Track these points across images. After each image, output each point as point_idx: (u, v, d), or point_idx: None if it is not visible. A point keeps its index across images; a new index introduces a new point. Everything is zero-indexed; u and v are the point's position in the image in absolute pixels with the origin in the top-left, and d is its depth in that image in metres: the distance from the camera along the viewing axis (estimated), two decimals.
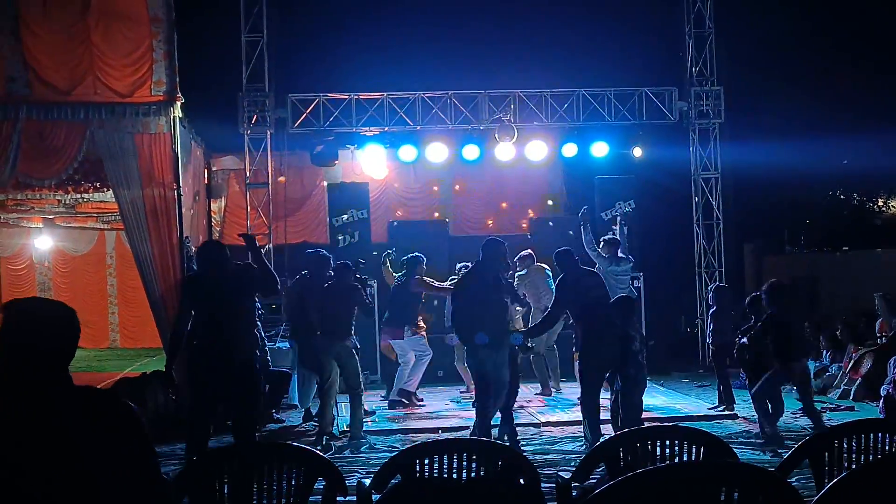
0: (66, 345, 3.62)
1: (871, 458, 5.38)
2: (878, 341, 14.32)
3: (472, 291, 10.45)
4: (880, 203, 31.20)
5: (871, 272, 19.09)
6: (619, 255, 14.19)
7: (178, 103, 14.43)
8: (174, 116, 14.31)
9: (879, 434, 5.52)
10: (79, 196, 18.17)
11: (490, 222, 21.79)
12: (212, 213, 20.22)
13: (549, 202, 22.21)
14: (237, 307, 8.29)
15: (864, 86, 25.63)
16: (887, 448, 5.50)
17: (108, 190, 16.01)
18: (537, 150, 17.98)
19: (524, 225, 20.76)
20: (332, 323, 11.41)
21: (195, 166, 16.84)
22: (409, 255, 13.97)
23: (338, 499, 5.06)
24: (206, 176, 19.18)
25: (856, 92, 25.63)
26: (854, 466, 5.18)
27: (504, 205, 22.11)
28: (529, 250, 15.10)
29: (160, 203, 13.88)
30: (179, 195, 14.06)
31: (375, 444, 11.10)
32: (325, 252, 12.45)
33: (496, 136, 17.59)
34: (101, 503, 3.48)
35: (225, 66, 18.37)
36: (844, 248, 25.00)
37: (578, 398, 13.38)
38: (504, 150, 17.82)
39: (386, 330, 13.95)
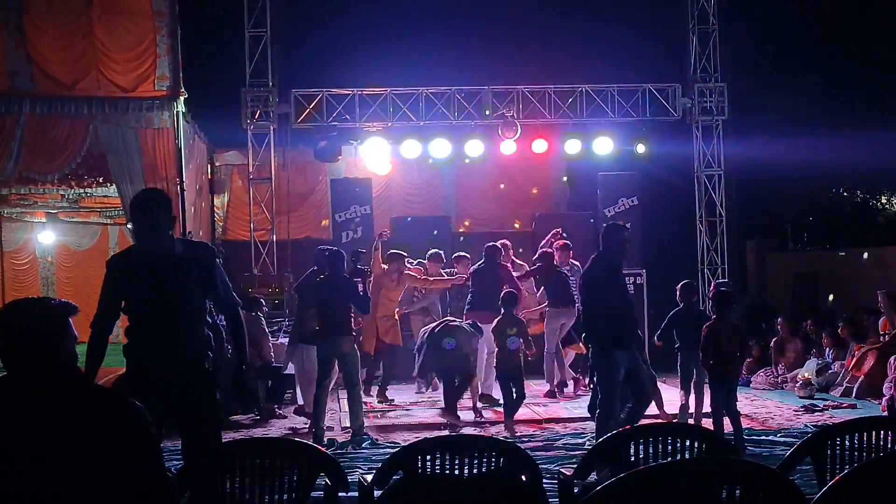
0: (51, 342, 3.64)
1: (872, 455, 5.39)
2: (881, 339, 14.32)
3: (611, 285, 9.47)
4: (883, 200, 31.15)
5: (874, 270, 19.07)
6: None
7: (182, 98, 14.48)
8: (177, 111, 14.37)
9: (881, 431, 5.53)
10: (82, 191, 18.22)
11: (492, 218, 21.77)
12: (214, 209, 20.24)
13: (563, 185, 22.15)
14: (182, 294, 6.34)
15: (868, 83, 25.60)
16: (889, 446, 5.50)
17: (111, 185, 16.07)
18: (540, 146, 17.98)
19: (527, 221, 20.73)
20: (329, 318, 11.30)
21: (198, 161, 16.87)
22: (489, 244, 13.94)
23: (339, 495, 5.07)
24: (208, 171, 19.20)
25: (860, 89, 25.60)
26: (856, 464, 5.18)
27: (507, 201, 22.10)
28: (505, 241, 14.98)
29: None
30: (182, 190, 14.11)
31: (377, 441, 11.10)
32: (331, 247, 12.20)
33: (499, 132, 17.57)
34: (106, 503, 3.48)
35: (228, 61, 18.37)
36: (847, 246, 24.96)
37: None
38: (507, 146, 17.80)
39: (474, 314, 13.34)
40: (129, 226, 6.22)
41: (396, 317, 14.02)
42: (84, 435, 3.46)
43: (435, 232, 17.68)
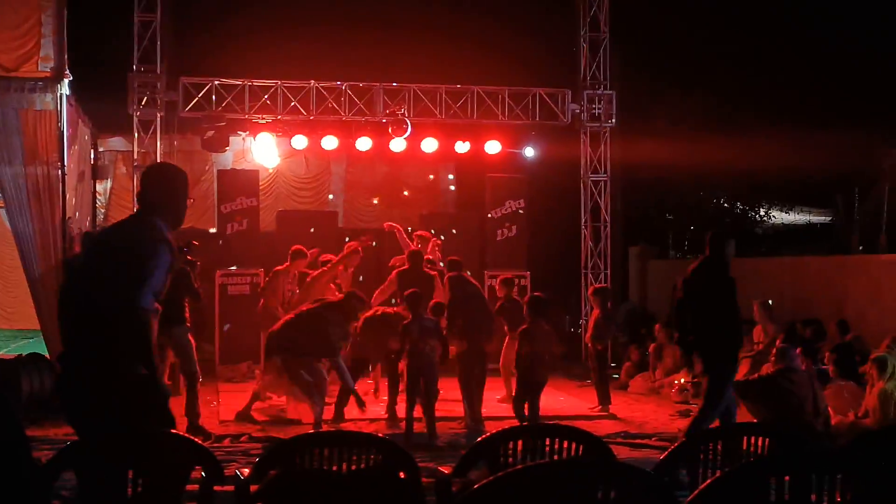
0: None
1: (743, 460, 5.50)
2: (755, 347, 14.65)
3: (730, 296, 9.13)
4: (762, 212, 31.97)
5: (751, 280, 19.48)
6: None
7: (66, 80, 14.12)
8: (61, 94, 14.01)
9: (752, 437, 5.66)
10: None
11: (379, 215, 21.73)
12: (96, 195, 19.85)
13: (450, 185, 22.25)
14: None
15: (753, 94, 26.22)
16: (758, 451, 5.63)
17: None
18: (430, 145, 18.05)
19: (414, 220, 20.74)
20: (166, 308, 11.26)
21: (81, 146, 16.50)
22: (414, 250, 13.53)
23: (215, 488, 5.00)
24: (91, 156, 18.80)
25: (745, 100, 26.20)
26: (727, 468, 5.29)
27: (395, 199, 22.10)
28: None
29: (43, 182, 13.58)
30: (64, 174, 13.77)
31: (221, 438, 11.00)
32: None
33: (389, 129, 17.54)
34: None
35: (116, 46, 17.96)
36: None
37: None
38: (397, 144, 17.80)
39: None
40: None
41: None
42: None
43: (311, 230, 17.56)
